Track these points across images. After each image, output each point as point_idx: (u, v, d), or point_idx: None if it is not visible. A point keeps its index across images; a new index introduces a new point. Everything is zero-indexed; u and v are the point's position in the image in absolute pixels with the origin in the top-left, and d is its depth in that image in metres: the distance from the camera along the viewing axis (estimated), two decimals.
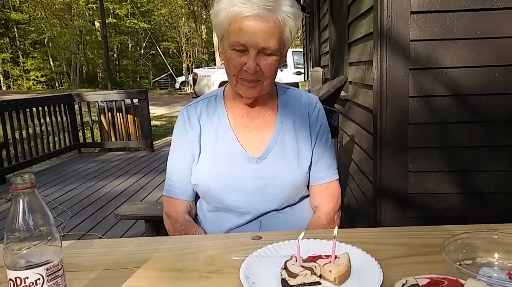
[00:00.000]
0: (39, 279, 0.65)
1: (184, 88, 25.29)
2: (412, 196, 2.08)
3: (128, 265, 0.93)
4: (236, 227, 1.26)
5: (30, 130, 5.73)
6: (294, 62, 14.02)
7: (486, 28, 1.89)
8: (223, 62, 1.25)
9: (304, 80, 7.98)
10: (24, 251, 0.65)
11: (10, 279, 0.65)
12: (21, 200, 0.65)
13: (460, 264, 0.80)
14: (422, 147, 2.04)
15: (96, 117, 6.93)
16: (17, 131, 5.47)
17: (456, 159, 2.03)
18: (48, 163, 6.16)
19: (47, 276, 0.66)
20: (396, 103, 2.02)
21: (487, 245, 0.85)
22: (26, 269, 0.64)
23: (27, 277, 0.64)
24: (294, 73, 13.19)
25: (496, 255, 0.84)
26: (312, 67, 5.38)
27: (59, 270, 0.68)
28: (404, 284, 0.70)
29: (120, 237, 3.23)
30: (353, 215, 3.02)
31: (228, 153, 1.26)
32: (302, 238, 0.87)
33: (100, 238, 3.20)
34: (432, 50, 1.95)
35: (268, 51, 1.14)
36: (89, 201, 4.23)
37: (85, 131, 7.04)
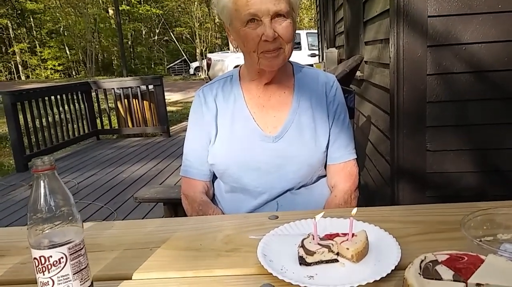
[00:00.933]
0: (62, 257, 0.67)
1: (198, 74, 25.29)
2: (431, 175, 2.06)
3: (148, 245, 0.95)
4: (253, 209, 1.27)
5: (50, 119, 5.84)
6: (308, 44, 13.85)
7: (508, 1, 1.82)
8: (236, 48, 1.24)
9: (319, 61, 7.87)
10: (47, 231, 0.66)
11: (35, 258, 0.67)
12: (41, 181, 0.67)
13: (480, 240, 0.80)
14: (441, 126, 2.00)
15: (113, 104, 7.00)
16: (37, 119, 5.58)
17: (475, 137, 1.99)
18: (68, 150, 6.28)
19: (70, 255, 0.68)
20: (413, 82, 1.98)
21: (508, 222, 0.83)
22: (50, 248, 0.66)
23: (51, 256, 0.66)
24: (308, 55, 13.04)
25: None
26: (327, 48, 5.29)
27: (81, 249, 0.70)
28: (422, 261, 0.70)
29: None
30: (370, 195, 3.00)
31: (245, 133, 1.27)
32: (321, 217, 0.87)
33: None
34: (451, 26, 1.89)
35: (281, 14, 1.13)
36: (109, 186, 4.32)
37: (103, 118, 7.14)
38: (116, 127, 7.10)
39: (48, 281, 0.67)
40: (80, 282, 0.69)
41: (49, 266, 0.66)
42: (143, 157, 5.55)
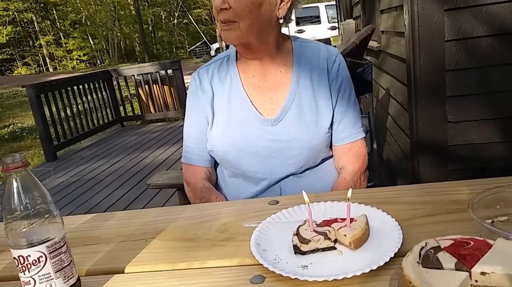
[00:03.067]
0: (41, 256, 0.65)
1: (218, 55, 25.13)
2: (453, 148, 1.95)
3: (144, 236, 0.93)
4: (255, 195, 1.23)
5: (74, 109, 5.96)
6: (328, 17, 13.44)
7: None
8: None
9: (339, 34, 7.63)
10: (24, 230, 0.65)
11: (14, 258, 0.65)
12: (14, 180, 0.64)
13: (493, 221, 0.73)
14: (462, 95, 1.88)
15: (135, 91, 7.06)
16: (62, 110, 5.70)
17: (500, 105, 1.86)
18: (94, 138, 6.41)
19: (49, 253, 0.66)
20: (430, 49, 1.86)
21: None
22: (28, 247, 0.64)
23: (29, 255, 0.64)
24: (328, 29, 12.67)
25: None
26: (344, 20, 5.10)
27: (62, 246, 0.68)
28: (423, 247, 0.63)
29: (162, 206, 3.34)
30: (392, 171, 2.90)
31: (242, 117, 1.21)
32: (314, 201, 0.82)
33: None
34: None
35: None
36: (133, 172, 4.38)
37: (126, 105, 7.22)
38: (139, 113, 7.17)
39: (29, 281, 0.66)
40: (64, 279, 0.68)
41: (29, 266, 0.65)
42: (166, 141, 5.59)
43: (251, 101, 1.21)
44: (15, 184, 0.64)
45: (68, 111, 5.81)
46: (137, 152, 5.19)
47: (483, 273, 0.57)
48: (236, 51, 1.27)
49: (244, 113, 1.21)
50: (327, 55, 1.24)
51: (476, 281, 0.58)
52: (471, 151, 1.94)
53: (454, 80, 1.87)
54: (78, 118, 5.99)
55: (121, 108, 7.05)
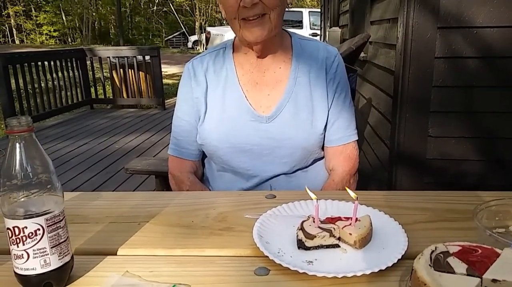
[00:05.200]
0: (38, 229, 0.60)
1: (196, 48, 24.87)
2: (430, 161, 2.01)
3: (136, 219, 0.89)
4: (245, 190, 1.20)
5: (43, 84, 5.70)
6: (310, 23, 13.59)
7: None
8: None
9: (321, 41, 7.73)
10: (22, 200, 0.60)
11: (8, 229, 0.61)
12: (17, 144, 0.59)
13: (492, 232, 0.74)
14: (445, 111, 1.94)
15: (108, 74, 6.85)
16: (29, 84, 5.44)
17: (479, 125, 1.93)
18: (61, 118, 6.17)
19: (48, 226, 0.61)
20: (420, 64, 1.91)
21: None
22: (25, 218, 0.60)
23: (26, 227, 0.60)
24: (310, 35, 12.81)
25: None
26: (330, 27, 5.16)
27: (60, 221, 0.63)
28: (433, 251, 0.64)
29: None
30: (366, 179, 2.96)
31: (236, 112, 1.17)
32: (319, 199, 0.81)
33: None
34: (464, 7, 1.80)
35: None
36: (101, 156, 4.24)
37: (97, 87, 6.98)
38: (111, 97, 6.96)
39: (22, 254, 0.61)
40: (59, 256, 0.63)
41: (24, 238, 0.60)
42: (137, 128, 5.46)
43: (246, 97, 1.18)
44: (18, 149, 0.59)
45: (36, 86, 5.56)
46: (106, 136, 5.04)
47: (494, 281, 0.58)
48: (233, 43, 1.23)
49: (238, 109, 1.17)
50: (327, 55, 1.22)
51: None
52: (447, 165, 2.00)
53: (439, 96, 1.92)
54: (46, 95, 5.74)
55: (92, 89, 6.82)
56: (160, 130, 5.27)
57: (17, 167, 0.59)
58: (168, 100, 7.73)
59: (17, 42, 29.97)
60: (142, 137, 4.94)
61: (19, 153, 0.59)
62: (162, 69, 6.99)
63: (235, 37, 1.23)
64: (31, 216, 0.60)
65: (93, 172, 3.76)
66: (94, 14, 29.72)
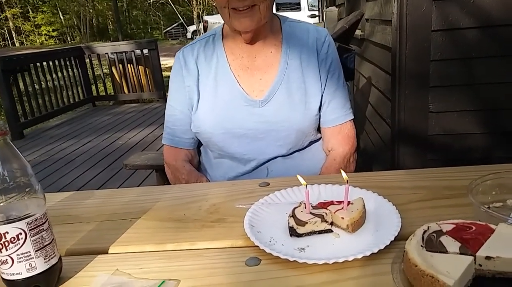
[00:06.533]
0: (20, 233, 0.59)
1: (195, 38, 24.68)
2: (433, 137, 1.97)
3: (128, 215, 0.88)
4: (242, 174, 1.20)
5: (44, 85, 5.70)
6: (308, 4, 13.40)
7: None
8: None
9: (319, 22, 7.62)
10: (2, 204, 0.59)
11: None
12: None
13: (489, 207, 0.72)
14: (445, 85, 1.90)
15: (108, 70, 6.83)
16: (30, 86, 5.44)
17: (481, 97, 1.89)
18: (64, 117, 6.18)
19: (30, 230, 0.60)
20: (417, 39, 1.86)
21: None
22: (5, 223, 0.59)
23: (7, 232, 0.59)
24: (308, 16, 12.64)
25: None
26: (327, 7, 5.07)
27: (43, 223, 0.62)
28: (425, 231, 0.62)
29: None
30: (369, 159, 2.93)
31: (229, 98, 1.16)
32: (308, 184, 0.80)
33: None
34: None
35: None
36: (106, 153, 4.25)
37: (98, 84, 6.98)
38: (112, 93, 6.95)
39: (6, 260, 0.60)
40: (45, 259, 0.62)
41: (6, 243, 0.59)
42: (140, 123, 5.46)
43: (238, 83, 1.17)
44: None
45: (37, 87, 5.56)
46: (110, 133, 5.04)
47: (488, 258, 0.56)
48: (222, 30, 1.22)
49: (231, 94, 1.16)
50: (317, 35, 1.21)
51: (480, 265, 0.57)
52: (450, 141, 1.97)
53: (437, 71, 1.88)
54: (47, 96, 5.74)
55: (93, 87, 6.81)
56: (163, 124, 5.24)
57: None
58: (168, 95, 7.72)
59: (17, 44, 30.02)
60: (146, 132, 4.93)
61: None
62: (163, 62, 6.96)
63: (223, 24, 1.22)
64: (12, 221, 0.59)
65: (99, 169, 3.78)
66: (91, 11, 29.58)
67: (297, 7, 13.28)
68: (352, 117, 1.25)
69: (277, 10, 13.41)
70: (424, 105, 1.94)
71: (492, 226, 0.62)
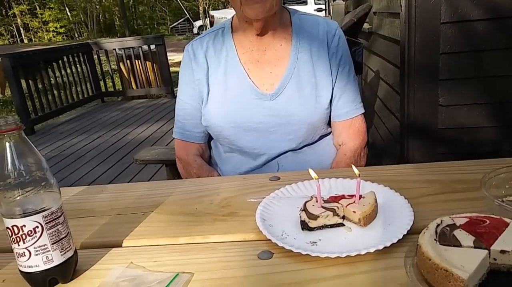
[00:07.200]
0: (37, 227, 0.60)
1: (201, 33, 24.65)
2: (442, 131, 1.96)
3: (141, 209, 0.89)
4: (253, 169, 1.20)
5: (53, 81, 5.75)
6: None
7: None
8: None
9: (326, 15, 7.57)
10: (18, 198, 0.60)
11: (8, 228, 0.61)
12: (7, 143, 0.59)
13: (502, 201, 0.72)
14: (455, 79, 1.88)
15: (116, 66, 6.86)
16: (40, 83, 5.48)
17: (492, 90, 1.87)
18: (73, 113, 6.23)
19: (46, 223, 0.61)
20: (426, 31, 1.84)
21: None
22: (22, 217, 0.60)
23: (24, 225, 0.60)
24: (314, 10, 12.55)
25: None
26: (334, 1, 5.03)
27: (59, 217, 0.63)
28: (439, 225, 0.62)
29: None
30: (378, 153, 2.92)
31: (239, 91, 1.16)
32: (323, 178, 0.80)
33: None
34: None
35: None
36: (115, 148, 4.29)
37: (106, 80, 7.01)
38: (120, 89, 6.99)
39: (24, 252, 0.61)
40: (61, 252, 0.63)
41: (24, 236, 0.60)
42: (148, 118, 5.49)
43: (248, 76, 1.17)
44: (8, 148, 0.59)
45: (47, 84, 5.61)
46: (119, 128, 5.08)
47: (502, 252, 0.56)
48: (231, 23, 1.21)
49: (241, 88, 1.16)
50: (327, 28, 1.20)
51: (495, 259, 0.57)
52: (460, 134, 1.95)
53: (447, 64, 1.86)
54: (56, 92, 5.79)
55: (102, 83, 6.86)
56: (171, 119, 5.28)
57: (9, 166, 0.59)
58: (178, 88, 7.74)
59: (25, 41, 30.23)
60: (154, 127, 4.96)
61: (9, 152, 0.59)
62: (170, 58, 6.96)
63: (232, 17, 1.22)
64: (29, 214, 0.60)
65: (109, 164, 3.81)
66: (97, 7, 29.67)
67: (303, 0, 13.20)
68: (363, 111, 1.24)
69: (283, 3, 13.34)
70: (433, 99, 1.92)
71: (507, 220, 0.62)
